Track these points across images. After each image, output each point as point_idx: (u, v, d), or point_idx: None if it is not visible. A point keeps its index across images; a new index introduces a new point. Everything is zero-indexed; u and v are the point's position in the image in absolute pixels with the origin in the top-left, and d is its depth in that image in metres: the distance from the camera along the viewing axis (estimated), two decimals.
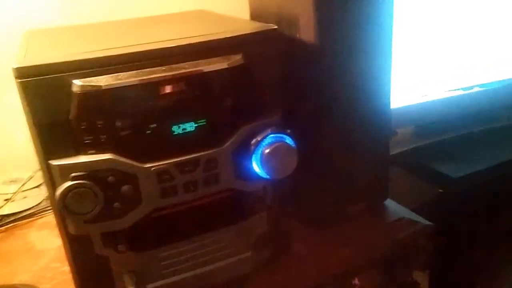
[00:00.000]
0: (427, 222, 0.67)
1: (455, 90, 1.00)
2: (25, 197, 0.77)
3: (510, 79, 1.05)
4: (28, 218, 0.74)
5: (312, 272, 0.61)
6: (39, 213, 0.75)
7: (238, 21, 0.58)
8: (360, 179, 0.65)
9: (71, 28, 0.62)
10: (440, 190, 0.93)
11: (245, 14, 0.69)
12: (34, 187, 0.79)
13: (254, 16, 0.67)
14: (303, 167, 0.53)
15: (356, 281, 0.83)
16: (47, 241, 0.68)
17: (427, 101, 0.97)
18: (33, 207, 0.75)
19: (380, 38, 0.59)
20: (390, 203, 0.71)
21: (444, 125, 1.03)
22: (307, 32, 0.55)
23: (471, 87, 1.01)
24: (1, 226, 0.71)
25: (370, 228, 0.67)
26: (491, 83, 1.03)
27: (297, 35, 0.56)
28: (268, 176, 0.50)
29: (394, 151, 0.98)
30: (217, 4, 0.73)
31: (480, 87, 1.01)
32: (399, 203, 0.73)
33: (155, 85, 0.44)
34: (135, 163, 0.45)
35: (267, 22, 0.52)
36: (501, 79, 1.04)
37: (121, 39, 0.54)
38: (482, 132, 1.06)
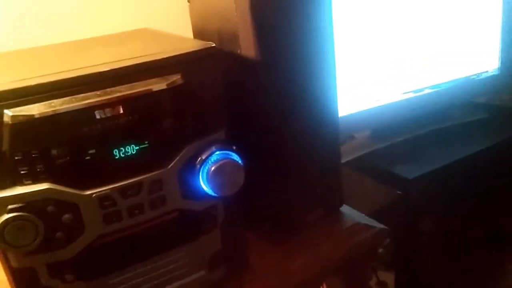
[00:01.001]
0: (382, 226, 0.68)
1: (407, 93, 1.02)
2: None
3: (458, 79, 1.08)
4: None
5: (273, 284, 0.61)
6: None
7: (178, 40, 0.58)
8: (313, 187, 0.66)
9: (2, 55, 0.60)
10: (398, 192, 0.95)
11: (190, 32, 0.69)
12: None
13: (197, 34, 0.67)
14: (254, 180, 0.53)
15: (323, 286, 0.83)
16: None
17: (381, 105, 1.00)
18: None
19: (322, 45, 0.60)
20: (346, 209, 0.72)
21: (400, 127, 1.06)
22: (247, 46, 0.55)
23: (422, 89, 1.03)
24: None
25: (327, 235, 0.67)
26: (441, 84, 1.06)
27: (238, 51, 0.56)
28: (215, 194, 0.50)
29: (351, 156, 0.99)
30: (162, 22, 0.73)
31: (431, 89, 1.04)
32: (359, 208, 0.74)
33: (90, 111, 0.43)
34: (75, 191, 0.44)
35: (209, 39, 0.52)
36: (450, 80, 1.07)
37: (57, 64, 0.53)
38: (435, 132, 1.09)
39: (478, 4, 1.06)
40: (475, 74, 1.10)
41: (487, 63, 1.12)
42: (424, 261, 1.04)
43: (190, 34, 0.68)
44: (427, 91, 1.04)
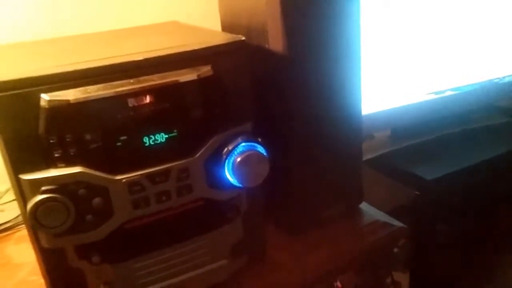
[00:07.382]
0: (401, 225, 0.69)
1: (429, 94, 1.02)
2: (2, 211, 0.77)
3: (481, 81, 1.07)
4: (5, 232, 0.73)
5: (289, 277, 0.62)
6: (17, 226, 0.74)
7: (208, 33, 0.59)
8: (334, 184, 0.66)
9: (40, 42, 0.62)
10: (417, 193, 0.95)
11: (218, 25, 0.70)
12: (11, 200, 0.78)
13: (225, 28, 0.68)
14: (277, 173, 0.53)
15: (338, 283, 0.84)
16: (25, 254, 0.68)
17: (402, 105, 0.99)
18: (10, 220, 0.74)
19: (349, 43, 0.60)
20: (365, 206, 0.72)
21: (419, 128, 1.05)
22: (275, 41, 0.56)
23: (444, 91, 1.03)
24: None
25: (345, 232, 0.68)
26: (463, 86, 1.05)
27: (266, 45, 0.57)
28: (240, 185, 0.51)
29: (371, 155, 0.99)
30: (189, 15, 0.74)
31: (453, 91, 1.04)
32: (376, 207, 0.74)
33: (123, 98, 0.44)
34: (105, 176, 0.45)
35: (237, 33, 0.52)
36: (472, 83, 1.06)
37: (91, 52, 0.55)
38: (456, 134, 1.08)
39: (502, 7, 1.05)
40: (498, 78, 1.09)
41: (511, 67, 1.11)
42: (440, 263, 1.04)
43: (216, 28, 0.69)
44: (449, 93, 1.04)
